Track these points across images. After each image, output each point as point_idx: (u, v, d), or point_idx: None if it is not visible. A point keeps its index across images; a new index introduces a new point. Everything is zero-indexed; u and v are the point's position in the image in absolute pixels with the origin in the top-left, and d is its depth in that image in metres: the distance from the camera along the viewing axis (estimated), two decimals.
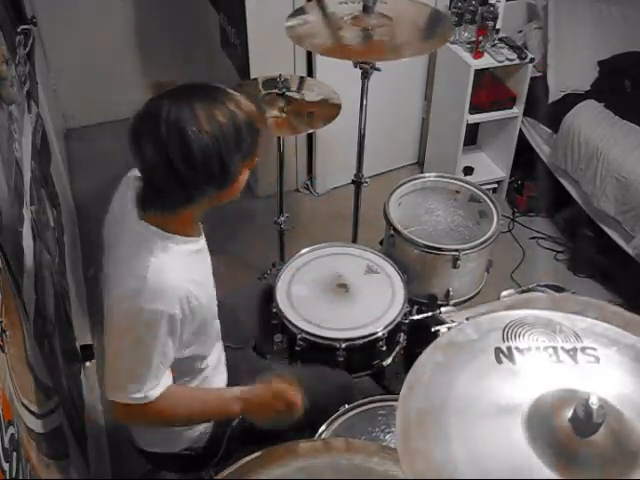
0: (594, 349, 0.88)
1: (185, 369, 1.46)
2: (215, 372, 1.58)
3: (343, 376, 1.81)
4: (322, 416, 1.58)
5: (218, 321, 1.56)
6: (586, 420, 0.76)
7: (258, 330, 1.95)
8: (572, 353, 0.87)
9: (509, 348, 0.89)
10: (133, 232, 1.31)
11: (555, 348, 0.88)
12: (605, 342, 0.89)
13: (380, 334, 1.84)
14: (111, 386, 1.33)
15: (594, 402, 0.76)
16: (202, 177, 1.23)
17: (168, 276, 1.27)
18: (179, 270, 1.30)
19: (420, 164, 3.61)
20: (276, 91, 2.32)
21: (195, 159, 1.20)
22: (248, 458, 1.22)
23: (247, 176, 1.36)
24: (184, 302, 1.29)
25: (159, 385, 1.32)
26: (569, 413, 0.79)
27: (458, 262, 2.06)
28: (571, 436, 0.77)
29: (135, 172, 1.38)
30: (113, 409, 1.35)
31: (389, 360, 1.94)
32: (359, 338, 1.82)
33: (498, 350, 0.89)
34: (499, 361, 0.88)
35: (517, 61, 2.97)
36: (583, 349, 0.88)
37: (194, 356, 1.46)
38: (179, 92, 1.24)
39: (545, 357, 0.87)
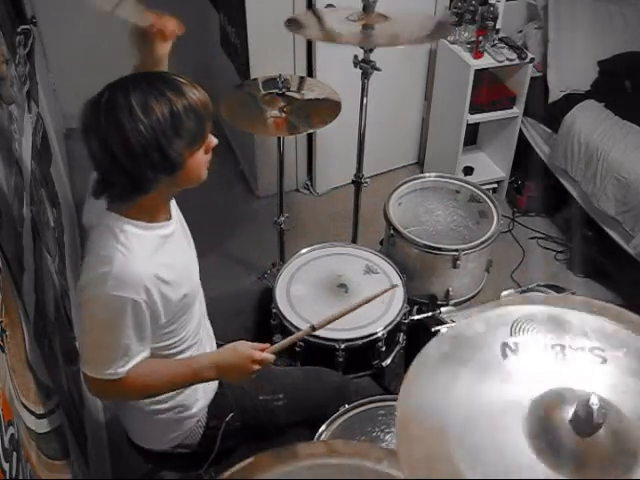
0: (602, 350, 0.88)
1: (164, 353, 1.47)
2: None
3: (338, 376, 1.81)
4: (317, 415, 1.58)
5: (203, 308, 1.57)
6: (587, 420, 0.76)
7: (256, 330, 1.95)
8: (579, 352, 0.87)
9: (516, 343, 0.89)
10: (101, 222, 1.33)
11: (563, 346, 0.88)
12: (614, 344, 0.89)
13: (380, 334, 1.84)
14: (85, 360, 1.35)
15: (595, 402, 0.76)
16: (144, 166, 1.24)
17: (133, 263, 1.28)
18: (145, 256, 1.31)
19: (420, 164, 3.61)
20: (276, 91, 2.32)
21: (134, 149, 1.21)
22: (250, 459, 1.21)
23: (205, 160, 1.36)
24: (151, 288, 1.30)
25: (129, 363, 1.34)
26: (569, 413, 0.79)
27: (458, 262, 2.06)
28: (571, 436, 0.77)
29: None
30: (87, 382, 1.37)
31: (389, 360, 1.94)
32: (359, 338, 1.82)
33: (504, 345, 0.89)
34: (504, 355, 0.88)
35: (517, 61, 2.97)
36: (591, 349, 0.87)
37: (174, 341, 1.46)
38: (118, 84, 1.27)
39: (551, 354, 0.87)
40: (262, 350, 1.43)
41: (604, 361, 0.87)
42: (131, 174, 1.25)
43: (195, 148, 1.31)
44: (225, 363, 1.42)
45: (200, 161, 1.34)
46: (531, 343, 0.89)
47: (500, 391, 0.84)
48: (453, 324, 1.85)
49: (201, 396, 1.58)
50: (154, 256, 1.33)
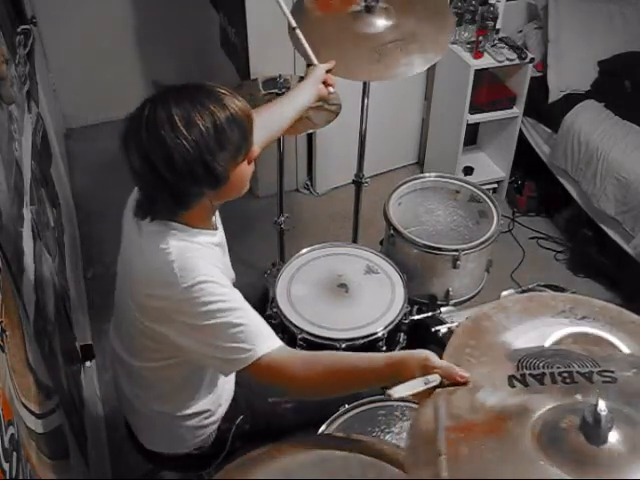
0: (612, 372, 0.88)
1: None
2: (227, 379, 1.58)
3: None
4: (323, 414, 1.58)
5: None
6: (595, 426, 0.76)
7: None
8: (587, 375, 0.87)
9: (523, 375, 0.89)
10: (150, 233, 1.30)
11: (570, 372, 0.88)
12: (624, 366, 0.89)
13: (380, 334, 1.84)
14: (228, 364, 1.27)
15: (602, 408, 0.76)
16: (188, 181, 1.22)
17: (195, 255, 1.26)
18: (203, 256, 1.29)
19: (420, 164, 3.61)
20: (276, 91, 2.32)
21: (178, 165, 1.18)
22: (253, 452, 1.20)
23: (249, 169, 1.34)
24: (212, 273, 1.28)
25: (265, 341, 1.25)
26: (578, 421, 0.79)
27: (458, 262, 2.06)
28: (582, 443, 0.77)
29: None
30: (252, 374, 1.27)
31: None
32: (359, 338, 1.82)
33: (511, 377, 0.89)
34: (512, 385, 0.88)
35: (517, 61, 2.97)
36: (600, 372, 0.88)
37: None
38: (159, 97, 1.23)
39: (559, 379, 0.88)
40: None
41: (614, 380, 0.87)
42: (174, 190, 1.22)
43: (239, 160, 1.28)
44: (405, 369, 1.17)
45: (244, 173, 1.32)
46: (538, 373, 0.89)
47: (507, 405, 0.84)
48: (453, 324, 1.85)
49: (224, 401, 1.57)
50: (210, 259, 1.31)
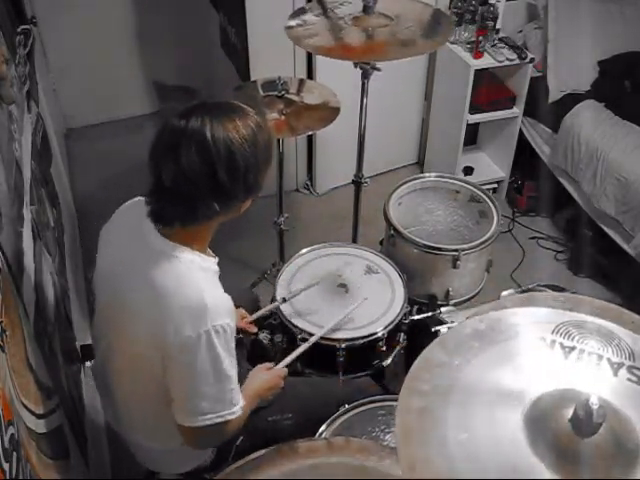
0: None
1: None
2: None
3: (342, 390, 1.81)
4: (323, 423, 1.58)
5: None
6: (586, 420, 0.76)
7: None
8: (616, 367, 0.85)
9: (553, 341, 0.87)
10: (156, 249, 1.32)
11: (601, 357, 0.86)
12: None
13: (380, 334, 1.84)
14: (193, 412, 1.32)
15: (594, 402, 0.76)
16: (240, 187, 1.28)
17: (221, 293, 1.33)
18: (220, 287, 1.36)
19: (420, 164, 3.61)
20: (275, 93, 2.31)
21: (238, 169, 1.25)
22: (252, 456, 1.21)
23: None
24: (233, 315, 1.35)
25: (241, 395, 1.38)
26: (569, 413, 0.78)
27: (458, 262, 2.06)
28: (571, 436, 0.77)
29: (136, 200, 1.42)
30: (191, 435, 1.37)
31: (389, 360, 1.94)
32: (359, 338, 1.82)
33: (541, 339, 0.87)
34: (536, 347, 0.86)
35: (517, 61, 2.97)
36: (630, 367, 0.85)
37: None
38: (211, 108, 1.28)
39: (585, 361, 0.85)
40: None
41: (639, 382, 0.84)
42: (224, 193, 1.27)
43: (257, 191, 1.36)
44: (262, 390, 1.55)
45: (248, 204, 1.39)
46: (569, 345, 0.87)
47: (511, 382, 0.84)
48: (453, 324, 1.85)
49: None
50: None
